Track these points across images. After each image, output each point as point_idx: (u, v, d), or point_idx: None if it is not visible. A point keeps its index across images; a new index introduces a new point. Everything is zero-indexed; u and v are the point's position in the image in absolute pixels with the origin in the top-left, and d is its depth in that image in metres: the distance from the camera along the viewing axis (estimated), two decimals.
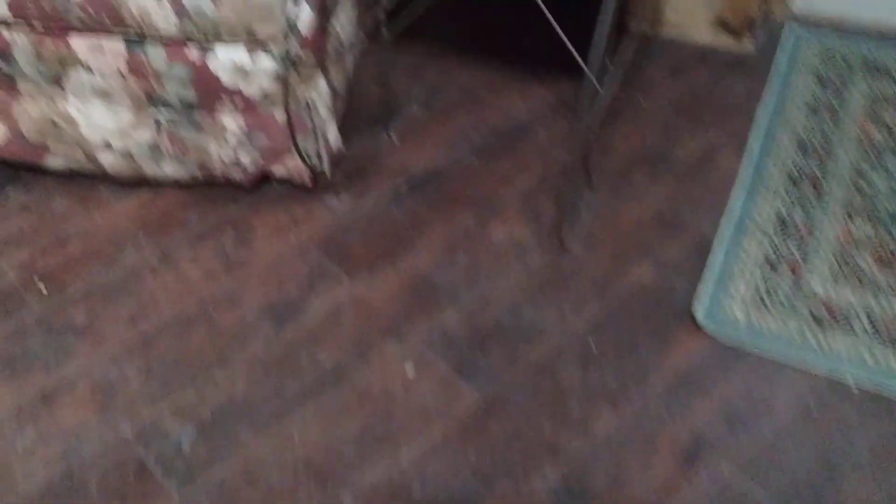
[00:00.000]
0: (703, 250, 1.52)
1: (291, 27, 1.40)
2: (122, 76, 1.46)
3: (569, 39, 1.46)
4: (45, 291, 1.49)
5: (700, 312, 1.41)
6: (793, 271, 1.47)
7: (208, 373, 1.37)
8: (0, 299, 1.48)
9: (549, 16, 1.45)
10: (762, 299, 1.43)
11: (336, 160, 1.69)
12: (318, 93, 1.57)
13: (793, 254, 1.49)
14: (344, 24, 1.69)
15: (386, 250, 1.54)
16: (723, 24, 1.91)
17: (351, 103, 1.83)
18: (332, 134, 1.65)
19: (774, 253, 1.50)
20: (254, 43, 1.41)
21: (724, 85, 1.86)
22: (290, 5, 1.39)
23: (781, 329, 1.39)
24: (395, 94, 1.85)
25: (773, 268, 1.47)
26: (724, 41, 1.94)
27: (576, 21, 1.62)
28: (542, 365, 1.37)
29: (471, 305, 1.45)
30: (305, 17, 1.43)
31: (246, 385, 1.35)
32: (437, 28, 2.00)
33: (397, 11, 1.64)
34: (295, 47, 1.44)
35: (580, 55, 1.45)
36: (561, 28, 1.46)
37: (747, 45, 1.93)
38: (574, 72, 1.56)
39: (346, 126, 1.76)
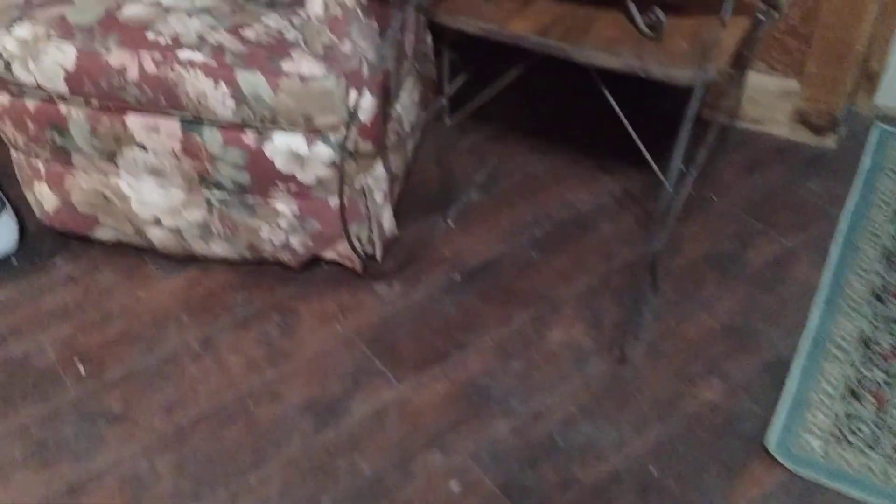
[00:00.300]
0: (776, 370, 1.41)
1: (352, 116, 1.35)
2: (176, 156, 1.43)
3: (640, 128, 1.38)
4: (83, 373, 1.44)
5: (773, 442, 1.30)
6: (877, 401, 1.35)
7: (242, 474, 1.29)
8: (38, 379, 1.43)
9: (622, 116, 1.37)
10: (841, 431, 1.31)
11: (389, 245, 1.63)
12: (375, 178, 1.51)
13: (877, 381, 1.37)
14: (406, 105, 1.64)
15: (436, 349, 1.46)
16: (803, 119, 1.81)
17: (408, 182, 1.77)
18: (387, 219, 1.59)
19: (857, 379, 1.38)
20: (312, 132, 1.36)
21: (803, 184, 1.75)
22: (352, 95, 1.34)
23: (863, 466, 1.27)
24: (454, 177, 1.78)
25: (855, 396, 1.35)
26: (803, 135, 1.84)
27: (646, 109, 1.54)
28: (596, 490, 1.26)
29: (523, 417, 1.36)
30: (367, 106, 1.37)
31: (280, 490, 1.27)
32: (501, 110, 1.93)
33: (461, 98, 1.58)
34: (354, 136, 1.38)
35: (651, 147, 1.37)
36: (632, 119, 1.39)
37: (828, 142, 1.83)
38: (641, 162, 1.47)
39: (402, 208, 1.70)
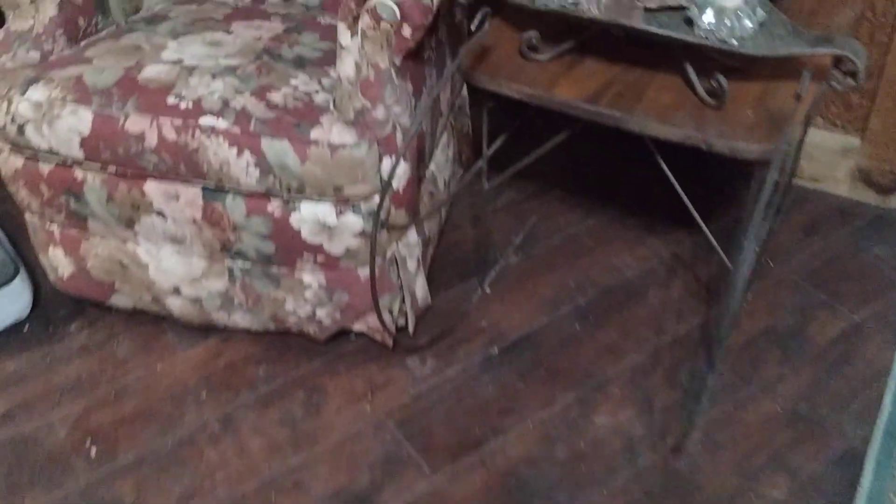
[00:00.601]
0: (848, 464, 1.28)
1: (385, 186, 1.25)
2: (197, 224, 1.34)
3: (687, 187, 1.27)
4: (94, 455, 1.35)
5: None
6: None
7: None
8: (47, 463, 1.34)
9: (673, 180, 1.27)
10: None
11: (421, 316, 1.52)
12: (408, 245, 1.41)
13: None
14: (441, 163, 1.54)
15: (472, 434, 1.35)
16: (865, 178, 1.69)
17: (441, 243, 1.67)
18: (420, 288, 1.49)
19: None
20: (342, 201, 1.27)
21: (867, 248, 1.63)
22: (385, 163, 1.25)
23: None
24: (490, 238, 1.68)
25: None
26: (865, 195, 1.72)
27: (695, 168, 1.43)
28: None
29: None
30: (400, 173, 1.28)
31: None
32: (540, 166, 1.82)
33: (499, 156, 1.48)
34: (387, 205, 1.29)
35: (703, 212, 1.26)
36: (679, 177, 1.28)
37: (893, 202, 1.70)
38: (690, 223, 1.36)
39: (435, 272, 1.60)
